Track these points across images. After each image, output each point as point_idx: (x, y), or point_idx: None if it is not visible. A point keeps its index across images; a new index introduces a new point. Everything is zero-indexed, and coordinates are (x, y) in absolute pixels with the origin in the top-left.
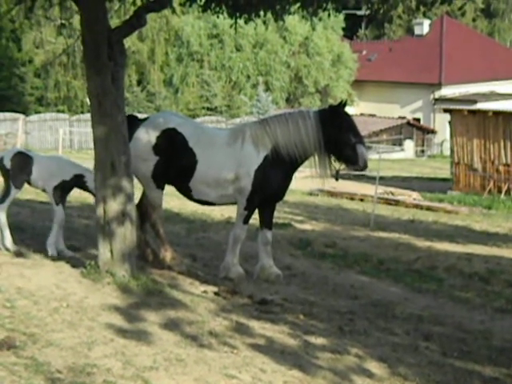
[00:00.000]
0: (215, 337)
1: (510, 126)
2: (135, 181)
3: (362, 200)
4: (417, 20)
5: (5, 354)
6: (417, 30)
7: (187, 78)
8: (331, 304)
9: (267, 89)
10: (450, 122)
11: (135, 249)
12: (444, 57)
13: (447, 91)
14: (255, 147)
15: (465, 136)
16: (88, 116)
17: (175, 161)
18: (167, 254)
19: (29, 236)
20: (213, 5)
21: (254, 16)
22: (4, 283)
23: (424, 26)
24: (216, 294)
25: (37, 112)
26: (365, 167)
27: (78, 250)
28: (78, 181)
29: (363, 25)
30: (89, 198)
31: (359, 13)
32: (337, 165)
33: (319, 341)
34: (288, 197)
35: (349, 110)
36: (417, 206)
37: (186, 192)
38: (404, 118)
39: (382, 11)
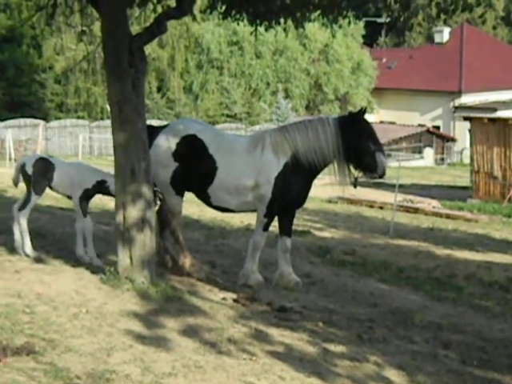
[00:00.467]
0: (234, 344)
1: None
2: None
3: (381, 208)
4: (437, 28)
5: (24, 360)
6: (437, 38)
7: (207, 84)
8: (350, 312)
9: (287, 96)
10: (469, 130)
11: (154, 255)
12: (464, 65)
13: (467, 99)
14: (275, 154)
15: (485, 144)
16: (108, 122)
17: (195, 167)
18: (186, 261)
19: (49, 242)
20: (233, 12)
21: (274, 23)
22: (24, 289)
23: (444, 34)
24: (235, 300)
25: (57, 118)
26: (383, 175)
27: (98, 256)
28: (101, 187)
29: (383, 32)
30: (108, 205)
31: (379, 20)
32: (356, 172)
33: (338, 348)
34: (307, 204)
35: (368, 117)
36: (436, 214)
37: (205, 199)
38: (424, 125)
39: (402, 19)
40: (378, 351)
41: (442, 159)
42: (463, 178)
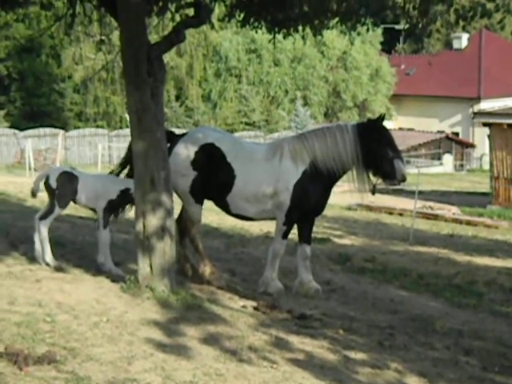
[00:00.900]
0: (255, 352)
1: None
2: (174, 196)
3: (400, 214)
4: (455, 34)
5: (45, 369)
6: (455, 44)
7: (225, 93)
8: (371, 319)
9: (305, 103)
10: (489, 136)
11: (174, 264)
12: (483, 70)
13: (486, 105)
14: (294, 162)
15: (504, 150)
16: (127, 131)
17: (213, 176)
18: (206, 269)
19: (69, 251)
20: (251, 20)
21: (292, 31)
22: (44, 298)
23: (463, 40)
24: (255, 308)
25: (76, 127)
26: (402, 181)
27: (118, 264)
28: (125, 195)
29: (401, 39)
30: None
31: (397, 27)
32: (374, 179)
33: (359, 356)
34: (327, 211)
35: (387, 124)
36: (456, 221)
37: (224, 207)
38: (443, 132)
39: (420, 25)
40: (398, 358)
41: (462, 165)
42: (483, 184)
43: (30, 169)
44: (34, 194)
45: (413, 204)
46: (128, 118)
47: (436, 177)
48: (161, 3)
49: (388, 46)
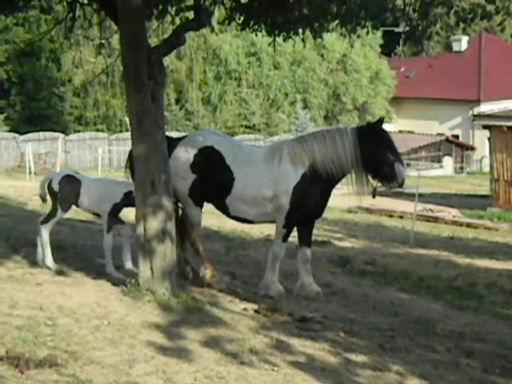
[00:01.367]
0: (256, 354)
1: None
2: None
3: (401, 217)
4: (455, 36)
5: (47, 372)
6: (455, 47)
7: (225, 96)
8: (371, 321)
9: (305, 106)
10: (489, 139)
11: (175, 267)
12: (483, 73)
13: (486, 107)
14: (293, 165)
15: (504, 152)
16: (127, 135)
17: (212, 178)
18: (207, 272)
19: (69, 254)
20: (251, 23)
21: (292, 34)
22: (45, 301)
23: (462, 43)
24: (256, 311)
25: (76, 131)
26: (402, 185)
27: (118, 268)
28: (129, 198)
29: (401, 42)
30: (128, 216)
31: (397, 30)
32: (374, 182)
33: (360, 358)
34: (327, 214)
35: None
36: (456, 223)
37: (224, 209)
38: (443, 134)
39: (420, 28)
40: (399, 360)
41: (462, 168)
42: (483, 187)
43: (30, 173)
44: (43, 199)
45: (413, 206)
46: (128, 122)
47: (436, 179)
48: (161, 6)
49: (388, 49)
